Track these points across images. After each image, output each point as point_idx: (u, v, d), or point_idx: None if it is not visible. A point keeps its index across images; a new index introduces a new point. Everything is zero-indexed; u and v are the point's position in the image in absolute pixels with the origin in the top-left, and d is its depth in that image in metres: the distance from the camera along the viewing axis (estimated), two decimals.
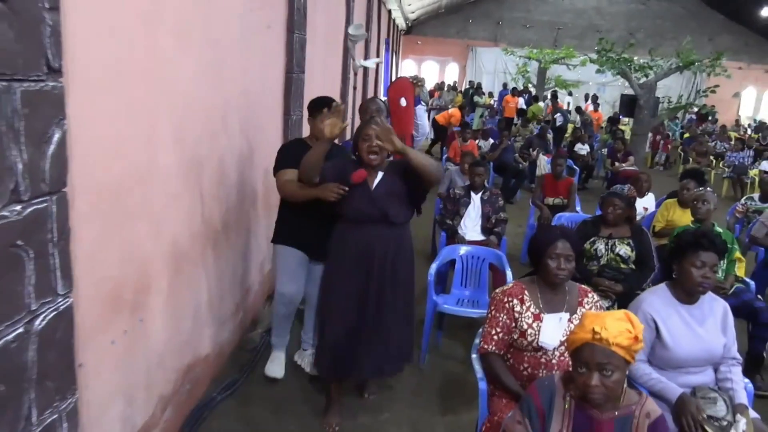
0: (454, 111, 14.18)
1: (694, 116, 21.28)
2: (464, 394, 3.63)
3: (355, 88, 3.62)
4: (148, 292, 2.56)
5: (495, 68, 27.05)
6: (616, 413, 1.89)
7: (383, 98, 4.89)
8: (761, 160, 12.46)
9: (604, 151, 12.26)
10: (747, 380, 2.72)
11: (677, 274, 2.69)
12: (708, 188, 4.71)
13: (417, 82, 4.36)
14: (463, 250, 4.42)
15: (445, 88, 19.64)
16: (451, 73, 28.87)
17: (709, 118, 20.18)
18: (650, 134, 16.16)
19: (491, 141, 11.56)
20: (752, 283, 4.34)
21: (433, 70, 28.81)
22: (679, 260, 2.66)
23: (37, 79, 1.59)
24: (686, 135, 16.08)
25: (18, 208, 1.55)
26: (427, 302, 4.03)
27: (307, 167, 3.01)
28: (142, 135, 2.44)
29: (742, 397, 2.58)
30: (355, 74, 3.87)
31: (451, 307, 4.07)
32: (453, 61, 28.88)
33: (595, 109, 18.46)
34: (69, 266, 1.79)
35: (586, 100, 20.57)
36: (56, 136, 1.68)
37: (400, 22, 21.14)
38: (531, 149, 10.91)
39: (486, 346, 2.56)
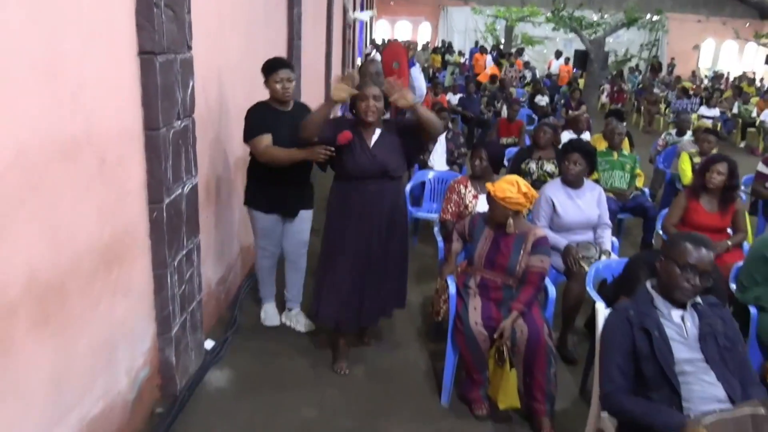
0: (493, 69, 15.44)
1: None
2: (433, 275, 5.00)
3: (349, 41, 3.72)
4: (220, 190, 3.89)
5: (466, 27, 27.92)
6: (516, 233, 3.26)
7: (358, 58, 5.78)
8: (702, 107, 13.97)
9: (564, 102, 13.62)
10: (614, 238, 4.15)
11: (561, 169, 4.09)
12: (622, 123, 6.14)
13: (410, 45, 4.31)
14: (431, 174, 5.78)
15: (420, 48, 20.77)
16: (424, 33, 29.84)
17: (663, 69, 21.54)
18: (608, 86, 17.67)
19: (459, 95, 12.87)
20: (647, 191, 5.82)
21: (406, 30, 29.74)
22: (562, 161, 4.06)
23: (184, 53, 2.89)
24: (640, 86, 17.47)
25: (179, 122, 2.88)
26: None
27: (310, 127, 3.16)
28: (218, 88, 3.73)
29: (608, 246, 4.00)
30: (350, 27, 3.87)
31: (422, 214, 5.46)
32: (425, 21, 29.82)
33: (566, 63, 19.62)
34: (196, 160, 3.12)
35: (557, 57, 21.90)
36: (191, 84, 3.00)
37: None
38: (495, 101, 12.25)
39: (443, 216, 3.97)
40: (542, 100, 13.42)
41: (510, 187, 3.15)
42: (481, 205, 3.89)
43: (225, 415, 3.08)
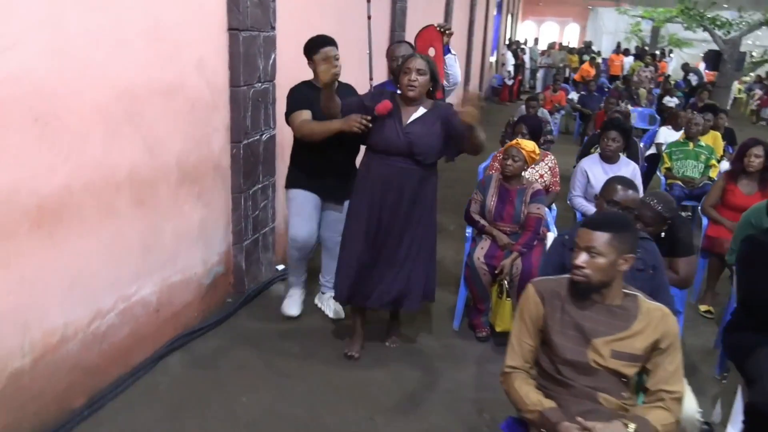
0: (586, 66, 15.65)
1: None
2: None
3: (369, 17, 3.48)
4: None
5: (616, 28, 27.34)
6: (518, 187, 3.81)
7: (491, 58, 6.15)
8: None
9: None
10: None
11: (600, 146, 4.54)
12: (710, 115, 6.35)
13: (445, 30, 4.01)
14: None
15: (556, 48, 20.82)
16: (571, 34, 29.57)
17: None
18: (759, 91, 16.81)
19: (582, 92, 13.04)
20: None
21: (553, 31, 29.65)
22: (601, 137, 4.51)
23: (267, 32, 3.79)
24: None
25: (259, 84, 3.78)
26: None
27: (327, 114, 3.11)
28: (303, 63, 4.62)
29: None
30: (368, 0, 3.58)
31: None
32: (573, 22, 29.53)
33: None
34: (275, 116, 4.02)
35: (704, 60, 20.96)
36: (272, 56, 3.90)
37: None
38: (620, 101, 12.30)
39: (490, 172, 4.60)
40: (671, 101, 13.20)
41: (532, 145, 3.77)
42: None
43: (281, 314, 3.93)
